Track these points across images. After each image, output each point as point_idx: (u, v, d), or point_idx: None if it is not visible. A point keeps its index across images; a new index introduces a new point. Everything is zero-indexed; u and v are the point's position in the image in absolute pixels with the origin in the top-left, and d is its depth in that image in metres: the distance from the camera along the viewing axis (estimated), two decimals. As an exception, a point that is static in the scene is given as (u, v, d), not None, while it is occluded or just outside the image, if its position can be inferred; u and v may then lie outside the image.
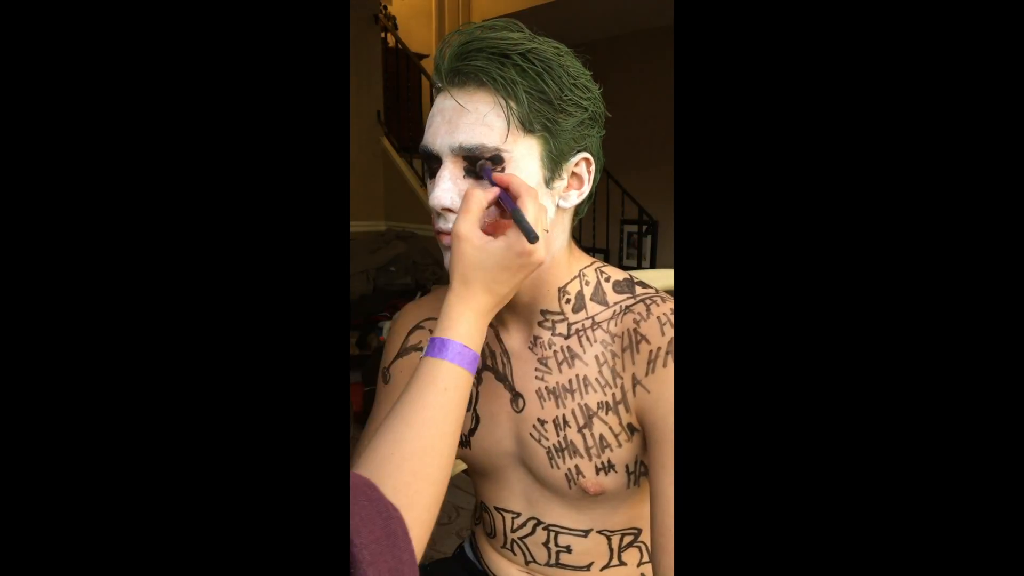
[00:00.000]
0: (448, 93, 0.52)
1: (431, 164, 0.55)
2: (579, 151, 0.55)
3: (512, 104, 0.50)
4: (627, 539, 0.65)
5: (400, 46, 4.18)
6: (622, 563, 0.65)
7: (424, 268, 3.59)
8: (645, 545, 0.66)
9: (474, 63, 0.50)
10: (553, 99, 0.51)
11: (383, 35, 4.28)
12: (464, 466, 0.73)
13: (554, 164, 0.53)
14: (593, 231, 3.97)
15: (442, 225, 0.54)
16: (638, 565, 0.66)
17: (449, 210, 0.53)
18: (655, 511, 0.52)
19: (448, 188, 0.52)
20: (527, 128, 0.51)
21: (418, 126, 4.37)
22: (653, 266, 4.01)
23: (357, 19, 3.93)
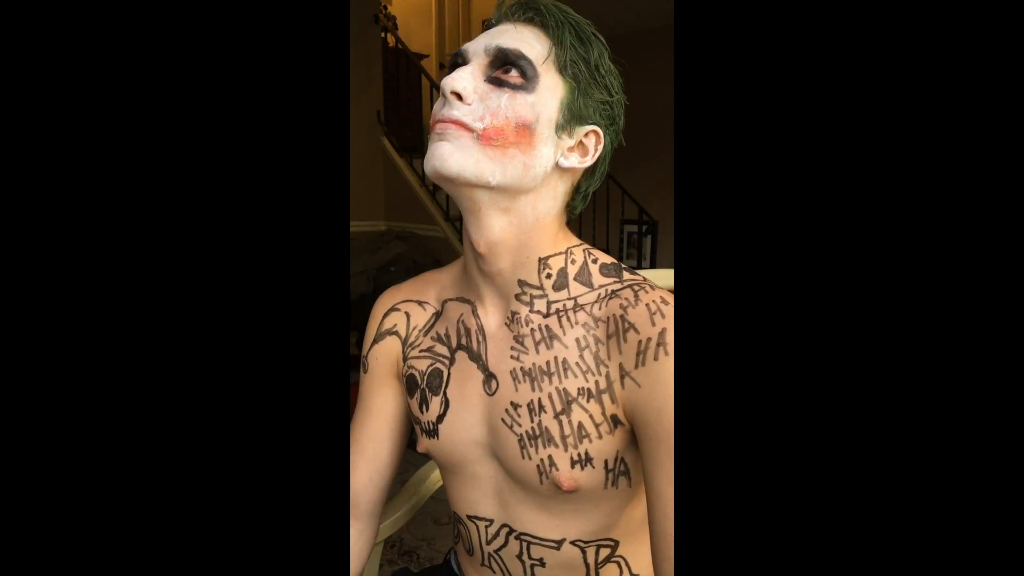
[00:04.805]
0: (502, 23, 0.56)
1: (455, 64, 0.55)
2: (594, 123, 0.56)
3: (556, 44, 0.54)
4: (603, 552, 0.61)
5: (400, 46, 4.18)
6: None
7: (424, 268, 3.59)
8: (624, 560, 0.62)
9: (538, 5, 0.55)
10: (591, 63, 0.54)
11: (383, 35, 4.27)
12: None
13: (570, 115, 0.54)
14: (593, 231, 3.97)
15: (444, 112, 0.52)
16: None
17: (458, 95, 0.52)
18: (653, 515, 0.49)
19: (467, 76, 0.52)
20: (561, 67, 0.54)
21: (418, 126, 4.37)
22: (653, 266, 4.01)
23: (357, 19, 3.93)
